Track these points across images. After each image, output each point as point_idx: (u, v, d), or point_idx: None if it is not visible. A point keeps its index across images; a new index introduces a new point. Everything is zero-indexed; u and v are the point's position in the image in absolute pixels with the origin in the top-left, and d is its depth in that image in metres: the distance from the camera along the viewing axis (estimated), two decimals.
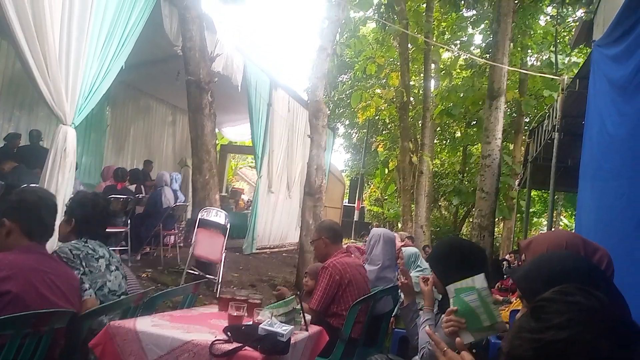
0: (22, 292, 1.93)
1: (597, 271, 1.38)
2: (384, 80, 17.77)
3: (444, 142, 21.68)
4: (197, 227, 6.17)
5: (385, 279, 3.91)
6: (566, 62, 16.18)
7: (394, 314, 3.84)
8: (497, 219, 12.15)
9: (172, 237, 7.85)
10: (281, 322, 2.17)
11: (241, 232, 9.82)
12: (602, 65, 3.40)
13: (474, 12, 15.06)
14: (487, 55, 12.28)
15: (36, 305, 1.93)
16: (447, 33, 17.11)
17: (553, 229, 11.42)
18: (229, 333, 2.05)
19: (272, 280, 7.69)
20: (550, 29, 16.08)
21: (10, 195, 2.22)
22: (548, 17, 16.70)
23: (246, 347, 1.97)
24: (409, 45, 15.25)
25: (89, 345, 2.09)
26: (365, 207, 25.14)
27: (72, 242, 2.46)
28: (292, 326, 2.17)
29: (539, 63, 17.96)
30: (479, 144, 14.48)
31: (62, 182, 4.73)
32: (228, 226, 6.29)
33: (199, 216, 6.22)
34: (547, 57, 16.74)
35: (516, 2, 11.94)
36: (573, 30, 13.00)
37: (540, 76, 13.33)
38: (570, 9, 14.47)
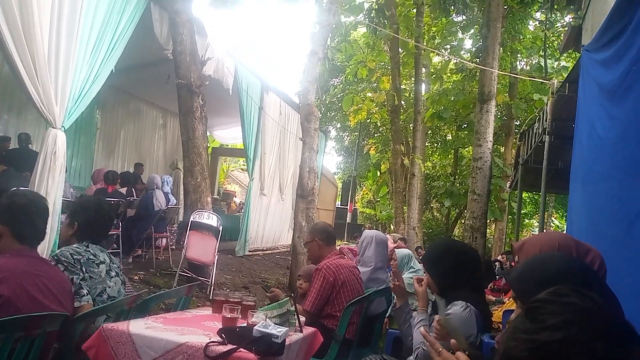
0: (13, 295, 1.91)
1: (589, 272, 1.40)
2: (375, 84, 17.84)
3: (435, 144, 21.80)
4: (189, 230, 6.15)
5: (378, 280, 3.92)
6: (555, 66, 16.35)
7: (387, 314, 3.85)
8: (489, 221, 12.23)
9: (164, 240, 7.82)
10: (275, 323, 2.17)
11: (233, 234, 9.80)
12: (591, 69, 3.45)
13: (464, 17, 15.17)
14: (477, 60, 12.38)
15: (28, 309, 1.91)
16: (437, 38, 17.22)
17: (545, 231, 11.52)
18: (223, 335, 2.05)
19: (265, 282, 7.68)
20: (539, 34, 16.25)
21: (0, 198, 2.20)
22: (537, 22, 16.87)
23: (241, 349, 1.96)
24: (400, 49, 15.34)
25: (82, 348, 2.07)
26: (358, 209, 25.18)
27: (74, 246, 2.44)
28: (286, 328, 2.17)
29: (528, 67, 18.14)
30: (470, 147, 14.59)
31: (52, 185, 4.70)
32: (220, 229, 6.28)
33: (191, 219, 6.20)
34: (536, 61, 16.90)
35: (505, 7, 12.05)
36: (562, 35, 13.17)
37: (530, 80, 13.46)
38: (558, 15, 14.61)
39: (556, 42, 15.98)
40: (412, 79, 16.69)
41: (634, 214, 2.17)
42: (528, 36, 16.37)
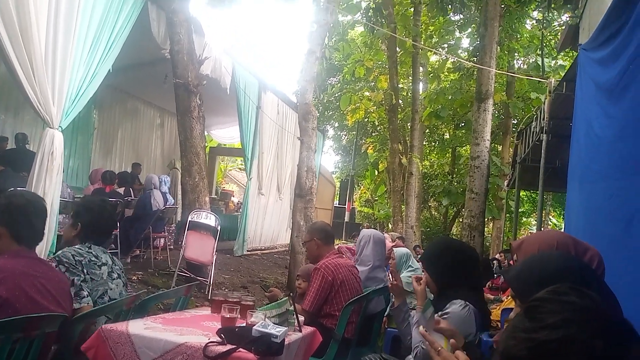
0: (11, 296, 1.91)
1: (588, 270, 1.40)
2: (373, 83, 17.85)
3: (433, 143, 21.84)
4: (188, 230, 6.14)
5: (376, 279, 3.93)
6: (552, 65, 16.39)
7: (386, 313, 3.86)
8: (486, 219, 12.27)
9: (162, 240, 7.81)
10: (275, 323, 2.17)
11: (231, 234, 9.79)
12: (589, 68, 3.45)
13: (461, 16, 15.19)
14: (475, 59, 12.39)
15: (26, 310, 1.91)
16: (434, 37, 17.24)
17: (543, 229, 11.54)
18: (222, 335, 2.05)
19: (264, 281, 7.68)
20: (536, 33, 16.29)
21: None
22: (534, 21, 16.90)
23: (240, 349, 1.96)
24: (397, 48, 15.35)
25: (81, 348, 2.07)
26: (356, 208, 25.18)
27: (76, 247, 2.43)
28: (285, 327, 2.17)
29: (525, 66, 18.19)
30: (468, 146, 14.61)
31: (50, 185, 4.69)
32: (219, 228, 6.28)
33: (189, 218, 6.19)
34: (533, 60, 16.95)
35: (503, 6, 12.07)
36: (559, 33, 13.18)
37: (527, 79, 13.49)
38: (555, 14, 14.65)
39: (553, 40, 16.01)
40: (410, 78, 16.71)
41: (631, 213, 2.18)
42: (525, 35, 16.40)
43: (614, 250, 2.14)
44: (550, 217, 23.37)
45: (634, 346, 0.87)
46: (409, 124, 16.09)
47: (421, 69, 16.13)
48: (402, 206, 15.15)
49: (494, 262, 8.23)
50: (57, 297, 2.08)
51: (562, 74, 9.68)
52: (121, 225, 6.81)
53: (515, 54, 16.91)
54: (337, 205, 21.37)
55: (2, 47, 4.23)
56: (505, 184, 13.76)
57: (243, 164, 11.21)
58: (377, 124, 21.38)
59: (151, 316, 2.50)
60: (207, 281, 6.14)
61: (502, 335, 0.98)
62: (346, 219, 19.96)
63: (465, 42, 17.54)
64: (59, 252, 2.39)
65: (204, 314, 2.65)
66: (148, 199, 7.35)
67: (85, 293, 2.28)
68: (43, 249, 4.45)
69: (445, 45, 17.09)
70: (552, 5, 11.85)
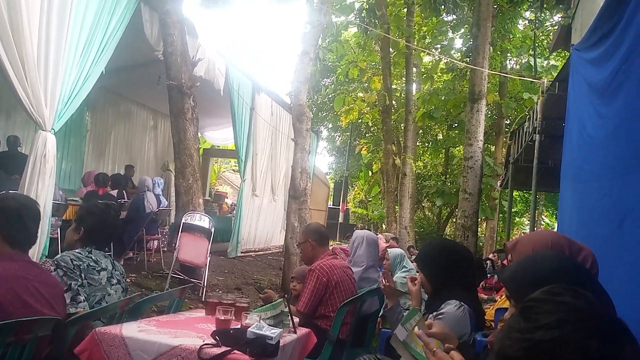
0: (4, 300, 1.90)
1: (582, 270, 1.41)
2: (366, 84, 17.88)
3: (427, 144, 21.90)
4: (181, 232, 6.12)
5: (369, 279, 3.94)
6: (545, 65, 16.48)
7: (380, 314, 3.86)
8: (480, 219, 12.30)
9: (156, 242, 7.78)
10: (269, 325, 2.17)
11: (225, 235, 9.77)
12: (581, 68, 3.47)
13: (454, 16, 15.24)
14: (468, 59, 12.45)
15: (19, 314, 1.90)
16: (427, 37, 17.29)
17: (536, 229, 11.60)
18: (217, 337, 2.04)
19: (258, 283, 7.67)
20: (528, 33, 16.37)
21: None
22: (526, 22, 16.99)
23: (235, 351, 1.96)
24: (391, 49, 15.38)
25: (74, 351, 2.06)
26: (350, 209, 25.23)
27: (76, 250, 2.42)
28: (280, 329, 2.16)
29: (518, 66, 18.27)
30: (461, 146, 14.66)
31: (43, 188, 4.66)
32: (212, 230, 6.26)
33: (183, 220, 6.18)
34: (526, 60, 17.03)
35: (495, 6, 12.13)
36: (551, 34, 13.27)
37: (520, 79, 13.55)
38: (548, 14, 14.73)
39: (545, 41, 16.10)
40: (403, 78, 16.74)
41: (624, 213, 2.19)
42: (518, 35, 16.49)
43: (606, 250, 2.15)
44: (542, 216, 23.50)
45: (627, 345, 0.88)
46: (402, 125, 16.13)
47: (414, 69, 16.17)
48: (396, 207, 15.19)
49: (487, 262, 8.24)
50: (51, 300, 2.06)
51: (555, 74, 9.75)
52: None
53: (508, 55, 17.00)
54: (331, 206, 21.39)
55: None
56: (499, 184, 13.82)
57: (237, 165, 11.19)
58: (370, 124, 21.42)
59: (145, 319, 2.48)
60: (200, 283, 6.12)
61: (498, 335, 0.98)
62: (340, 219, 20.00)
63: (458, 43, 17.62)
64: (58, 255, 2.38)
65: (198, 316, 2.64)
66: (141, 201, 7.32)
67: (82, 298, 2.27)
68: (35, 252, 4.42)
69: (439, 46, 17.15)
70: (545, 6, 11.92)
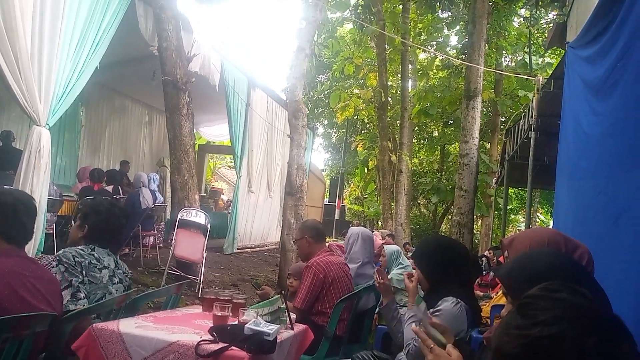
0: (1, 296, 1.89)
1: (578, 267, 1.42)
2: (362, 81, 17.89)
3: (422, 141, 21.94)
4: (177, 228, 6.12)
5: (365, 275, 3.95)
6: (540, 62, 16.53)
7: (377, 310, 3.88)
8: (475, 216, 12.35)
9: (151, 238, 7.76)
10: (267, 321, 2.17)
11: (221, 232, 9.76)
12: (576, 66, 3.49)
13: (450, 13, 15.26)
14: (463, 56, 12.46)
15: (16, 309, 1.89)
16: (423, 34, 17.30)
17: (532, 226, 11.65)
18: (214, 333, 2.04)
19: (254, 279, 7.67)
20: (524, 31, 16.41)
21: None
22: (522, 19, 17.03)
23: (232, 347, 1.96)
24: (386, 46, 15.39)
25: (72, 347, 2.05)
26: (346, 206, 25.24)
27: (78, 247, 2.41)
28: (278, 325, 2.17)
29: (513, 64, 18.33)
30: (457, 143, 14.72)
31: (37, 183, 4.63)
32: (208, 226, 6.25)
33: (179, 216, 6.17)
34: (521, 58, 17.07)
35: (491, 4, 12.14)
36: (546, 31, 13.30)
37: (515, 76, 13.59)
38: (543, 11, 14.77)
39: (540, 38, 16.15)
40: (399, 75, 16.76)
41: (619, 210, 2.20)
42: (513, 33, 16.53)
43: (602, 247, 2.16)
44: (538, 214, 23.61)
45: (624, 342, 0.89)
46: (398, 122, 16.15)
47: (410, 66, 16.20)
48: (392, 204, 15.22)
49: (483, 259, 8.28)
50: (47, 296, 2.06)
51: (550, 72, 9.78)
52: None
53: (503, 52, 17.04)
54: (327, 203, 21.39)
55: None
56: (494, 181, 13.88)
57: (232, 161, 11.16)
58: (366, 121, 21.43)
59: (142, 315, 2.48)
60: (197, 279, 6.12)
61: (495, 332, 0.99)
62: (336, 216, 19.98)
63: (454, 40, 17.65)
64: (60, 251, 2.37)
65: (195, 312, 2.64)
66: (137, 197, 7.30)
67: (82, 295, 2.26)
68: (31, 248, 4.40)
69: (434, 43, 17.17)
70: (540, 3, 11.95)
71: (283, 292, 2.66)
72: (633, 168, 2.09)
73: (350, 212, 26.74)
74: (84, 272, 2.30)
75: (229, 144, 10.49)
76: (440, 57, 16.42)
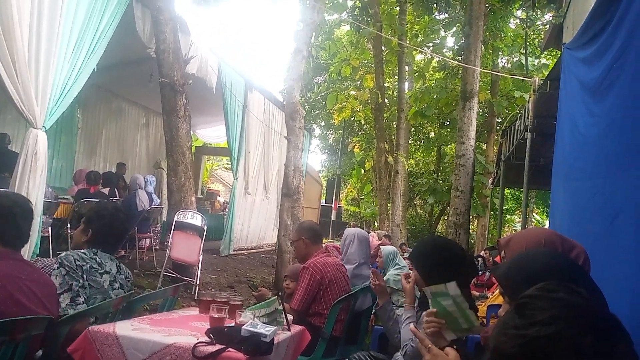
0: None
1: (575, 267, 1.42)
2: (359, 82, 17.91)
3: (419, 142, 21.98)
4: (174, 230, 6.10)
5: (362, 276, 3.95)
6: (536, 63, 16.59)
7: (373, 311, 3.88)
8: (471, 217, 12.38)
9: (148, 240, 7.75)
10: (264, 322, 2.17)
11: (218, 233, 9.75)
12: (573, 67, 3.50)
13: (446, 15, 15.30)
14: (460, 58, 12.49)
15: (12, 313, 1.88)
16: (420, 36, 17.34)
17: (528, 227, 11.68)
18: (211, 335, 2.04)
19: (251, 280, 7.66)
20: (520, 32, 16.47)
21: None
22: (518, 21, 17.08)
23: (229, 349, 1.95)
24: (383, 47, 15.41)
25: (67, 350, 2.04)
26: (343, 207, 25.26)
27: (81, 251, 2.40)
28: (275, 326, 2.16)
29: (509, 65, 18.39)
30: (453, 144, 14.73)
31: (34, 186, 4.62)
32: (205, 228, 6.24)
33: (175, 218, 6.15)
34: (517, 59, 17.13)
35: (487, 5, 12.18)
36: (542, 33, 13.35)
37: (512, 77, 13.63)
38: (539, 13, 14.82)
39: (537, 39, 16.20)
40: (396, 77, 16.79)
41: (616, 211, 2.20)
42: (509, 34, 16.58)
43: (599, 248, 2.16)
44: (533, 214, 23.67)
45: (621, 342, 0.89)
46: (394, 123, 16.17)
47: (407, 67, 16.22)
48: (388, 204, 15.23)
49: (479, 259, 8.28)
50: (43, 299, 2.05)
51: (546, 73, 9.81)
52: None
53: (500, 53, 17.09)
54: (324, 204, 21.40)
55: None
56: (490, 181, 13.91)
57: (229, 163, 11.17)
58: (363, 122, 21.45)
59: (138, 317, 2.47)
60: (193, 281, 6.10)
61: (493, 332, 0.99)
62: (333, 217, 20.02)
63: (450, 41, 17.70)
64: (62, 254, 2.35)
65: (192, 314, 2.64)
66: (133, 199, 7.29)
67: (82, 300, 2.25)
68: (27, 251, 4.38)
69: (431, 44, 17.22)
70: (536, 5, 11.99)
71: (280, 293, 2.66)
72: (630, 167, 2.09)
73: (346, 213, 26.75)
74: (84, 276, 2.29)
75: (226, 146, 10.47)
76: (437, 59, 16.47)
